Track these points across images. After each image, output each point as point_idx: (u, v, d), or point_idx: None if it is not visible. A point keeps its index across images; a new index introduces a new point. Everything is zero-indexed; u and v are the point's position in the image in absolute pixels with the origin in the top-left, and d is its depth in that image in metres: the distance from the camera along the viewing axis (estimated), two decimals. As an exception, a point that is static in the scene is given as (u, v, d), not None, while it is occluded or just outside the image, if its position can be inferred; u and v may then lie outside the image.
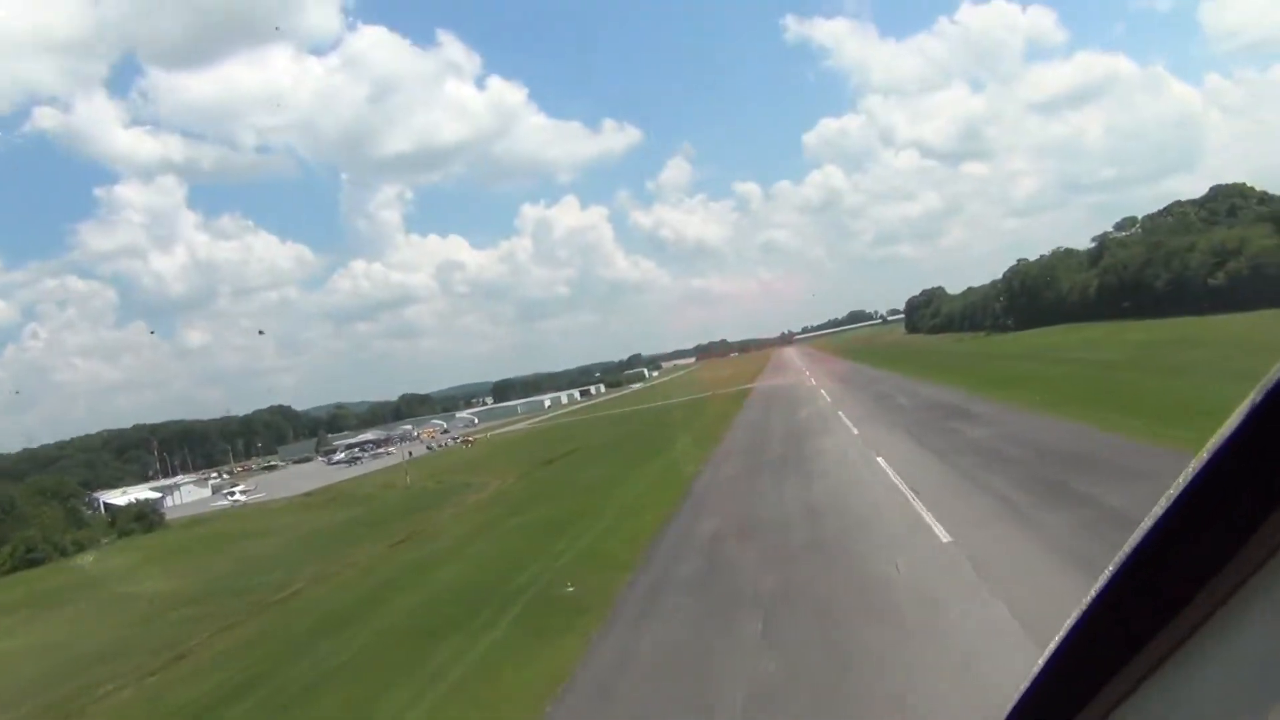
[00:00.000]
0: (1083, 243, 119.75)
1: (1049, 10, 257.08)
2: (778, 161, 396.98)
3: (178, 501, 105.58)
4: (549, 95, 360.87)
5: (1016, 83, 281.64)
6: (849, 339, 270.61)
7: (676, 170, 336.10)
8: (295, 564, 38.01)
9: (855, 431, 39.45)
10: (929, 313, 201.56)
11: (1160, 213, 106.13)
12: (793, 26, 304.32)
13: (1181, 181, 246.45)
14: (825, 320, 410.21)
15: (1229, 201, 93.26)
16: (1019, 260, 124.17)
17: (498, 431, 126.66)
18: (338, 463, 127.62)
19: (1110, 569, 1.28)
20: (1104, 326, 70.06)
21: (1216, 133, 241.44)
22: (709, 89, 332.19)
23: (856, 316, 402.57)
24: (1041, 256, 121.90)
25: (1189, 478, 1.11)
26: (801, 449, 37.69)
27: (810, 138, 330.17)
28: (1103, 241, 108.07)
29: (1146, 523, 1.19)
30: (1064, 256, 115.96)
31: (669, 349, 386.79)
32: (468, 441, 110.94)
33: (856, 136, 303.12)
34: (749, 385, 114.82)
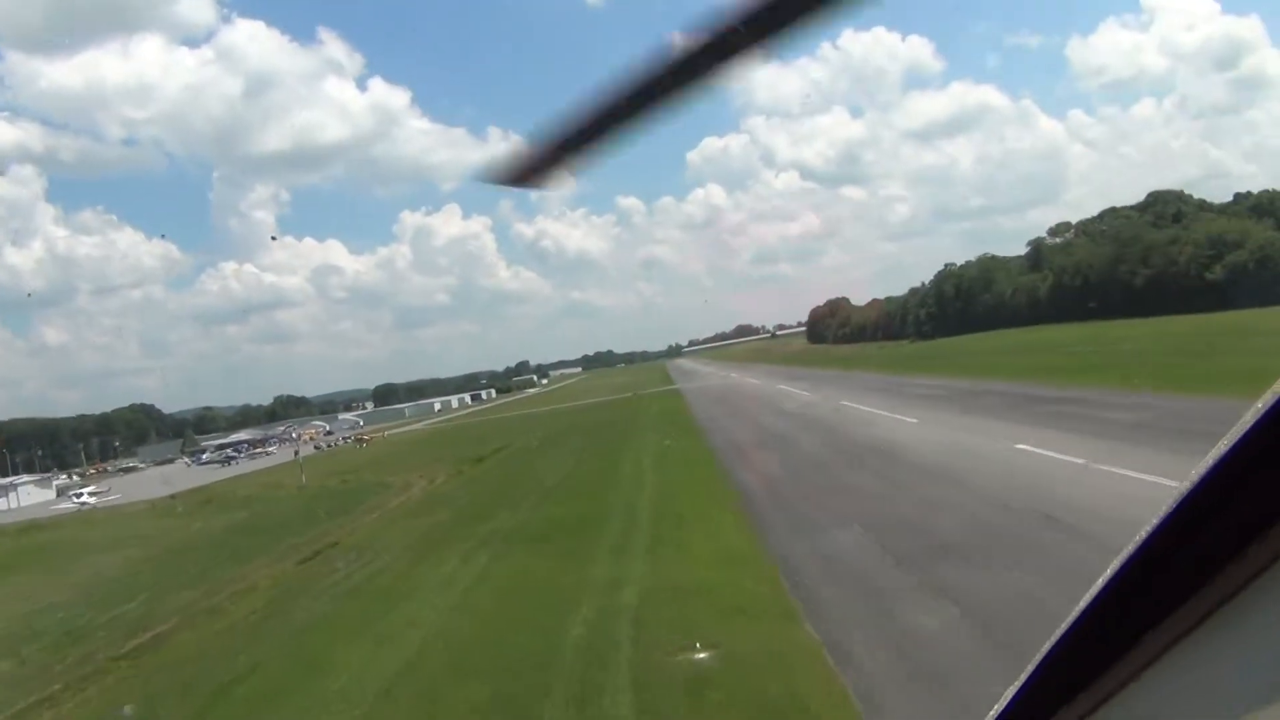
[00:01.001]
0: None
1: (927, 41, 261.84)
2: (661, 177, 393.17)
3: (13, 505, 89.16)
4: (434, 100, 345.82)
5: (894, 110, 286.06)
6: (746, 350, 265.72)
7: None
8: (159, 589, 26.70)
9: (913, 420, 30.82)
10: (835, 323, 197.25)
11: (1096, 218, 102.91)
12: (679, 44, 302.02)
13: (1045, 213, 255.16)
14: (713, 334, 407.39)
15: (1174, 206, 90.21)
16: (946, 265, 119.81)
17: (394, 432, 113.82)
18: (208, 463, 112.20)
19: (1115, 563, 1.28)
20: (1085, 327, 64.17)
21: (1079, 165, 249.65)
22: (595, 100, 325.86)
23: (744, 330, 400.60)
24: (968, 262, 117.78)
25: (1197, 478, 1.12)
26: (860, 440, 28.78)
27: (694, 155, 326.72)
28: (1039, 246, 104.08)
29: (1154, 518, 1.20)
30: (991, 261, 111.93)
31: (552, 359, 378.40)
32: (362, 440, 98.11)
33: (739, 156, 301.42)
34: (672, 387, 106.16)
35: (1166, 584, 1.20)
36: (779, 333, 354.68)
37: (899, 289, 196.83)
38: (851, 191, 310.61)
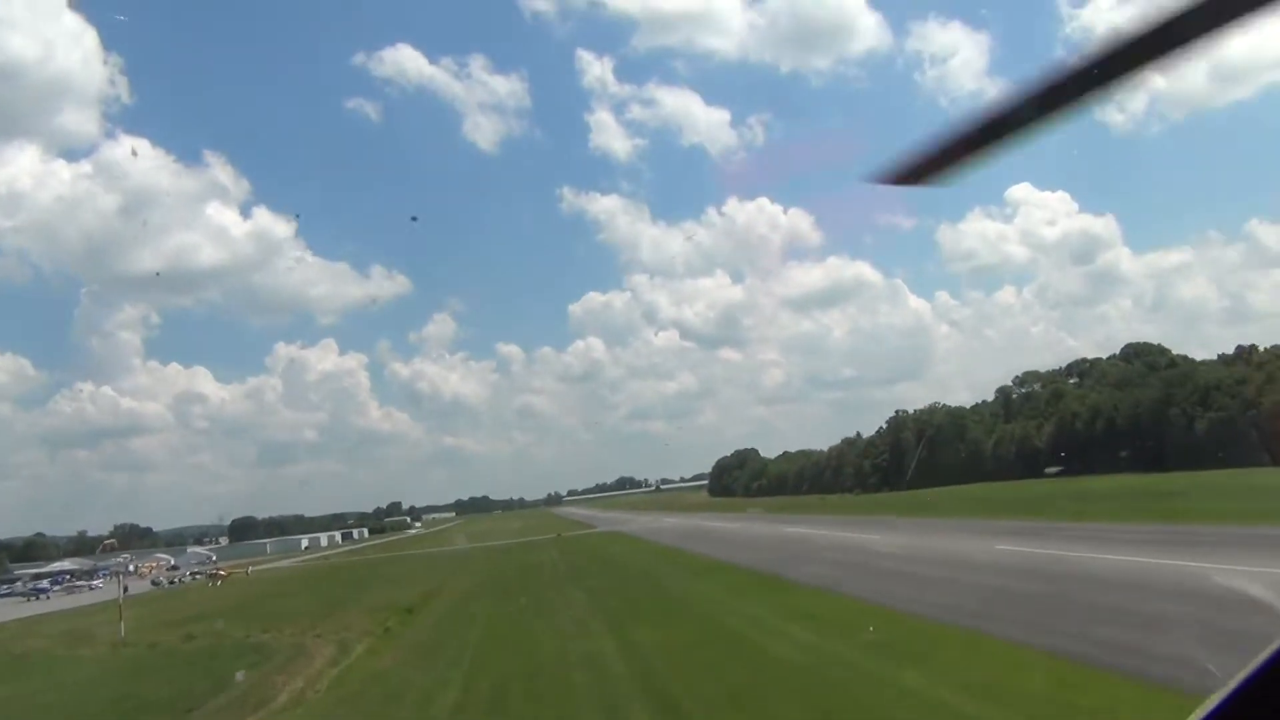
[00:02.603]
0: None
1: (807, 214, 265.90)
2: (543, 327, 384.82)
3: None
4: (319, 233, 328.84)
5: (773, 278, 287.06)
6: (638, 501, 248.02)
7: (441, 325, 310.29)
8: None
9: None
10: (744, 475, 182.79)
11: (1061, 372, 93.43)
12: (569, 197, 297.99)
13: (910, 388, 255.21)
14: (593, 484, 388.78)
15: (1164, 357, 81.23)
16: (898, 411, 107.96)
17: (261, 568, 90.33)
18: (6, 596, 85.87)
19: None
20: (1156, 478, 50.47)
21: (945, 345, 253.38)
22: (482, 248, 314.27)
23: (625, 483, 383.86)
24: (924, 409, 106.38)
25: None
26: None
27: (576, 308, 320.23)
28: (1008, 395, 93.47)
29: None
30: (953, 410, 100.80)
31: (423, 502, 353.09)
32: (218, 576, 75.42)
33: (621, 311, 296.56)
34: (601, 530, 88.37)
35: None
36: (664, 486, 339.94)
37: (773, 451, 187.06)
38: (728, 354, 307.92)
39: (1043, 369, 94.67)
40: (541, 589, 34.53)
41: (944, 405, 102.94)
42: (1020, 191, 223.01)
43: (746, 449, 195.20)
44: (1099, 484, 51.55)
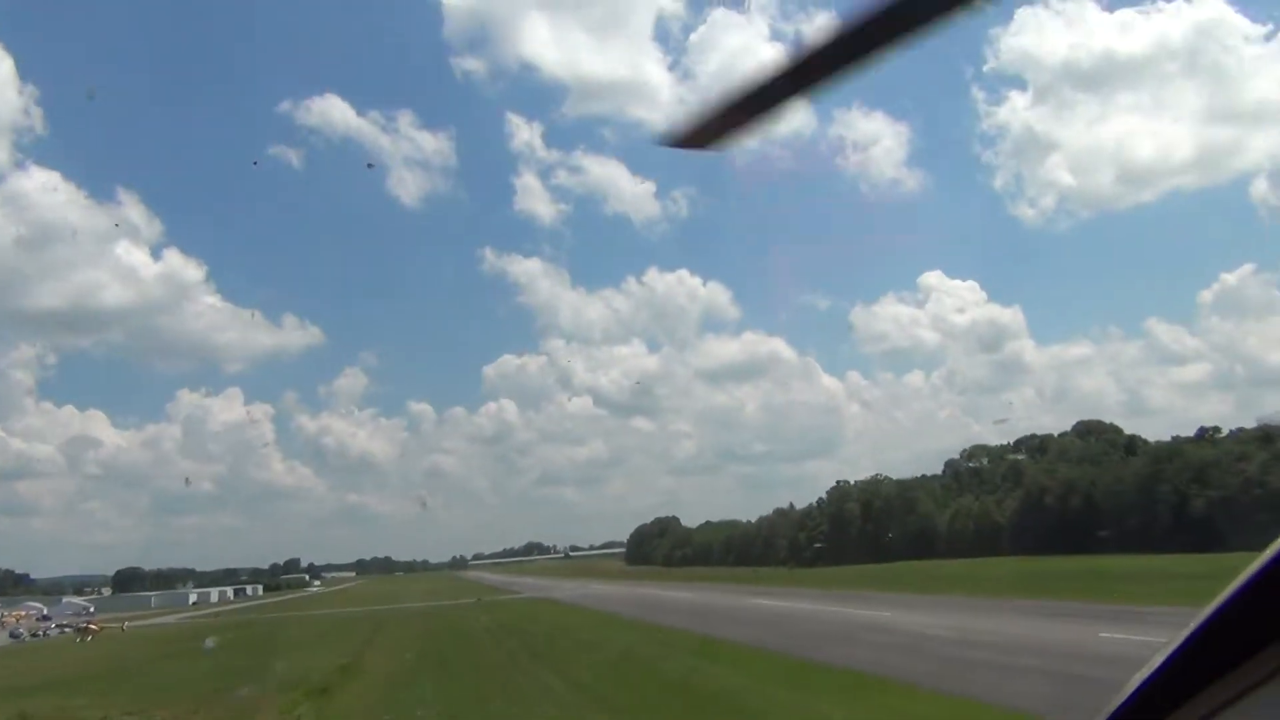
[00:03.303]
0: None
1: (725, 288, 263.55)
2: (456, 387, 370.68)
3: None
4: (231, 278, 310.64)
5: (689, 350, 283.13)
6: (549, 567, 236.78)
7: (353, 379, 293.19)
8: None
9: None
10: (666, 543, 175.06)
11: (1012, 447, 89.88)
12: (490, 258, 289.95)
13: (819, 464, 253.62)
14: (500, 549, 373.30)
15: (1122, 435, 78.38)
16: (839, 482, 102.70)
17: (139, 624, 78.12)
18: None
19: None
20: (1168, 559, 45.19)
21: (855, 424, 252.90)
22: (400, 303, 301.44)
23: (534, 548, 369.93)
24: (860, 482, 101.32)
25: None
26: None
27: (490, 370, 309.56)
28: (957, 469, 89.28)
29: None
30: (900, 483, 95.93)
31: (322, 561, 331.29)
32: (87, 631, 63.91)
33: (536, 375, 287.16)
34: (525, 596, 79.78)
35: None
36: (573, 553, 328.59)
37: (688, 521, 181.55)
38: (641, 423, 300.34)
39: (991, 443, 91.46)
40: (498, 668, 26.81)
41: (889, 477, 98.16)
42: (932, 278, 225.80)
43: (668, 517, 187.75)
44: (1099, 564, 46.32)
